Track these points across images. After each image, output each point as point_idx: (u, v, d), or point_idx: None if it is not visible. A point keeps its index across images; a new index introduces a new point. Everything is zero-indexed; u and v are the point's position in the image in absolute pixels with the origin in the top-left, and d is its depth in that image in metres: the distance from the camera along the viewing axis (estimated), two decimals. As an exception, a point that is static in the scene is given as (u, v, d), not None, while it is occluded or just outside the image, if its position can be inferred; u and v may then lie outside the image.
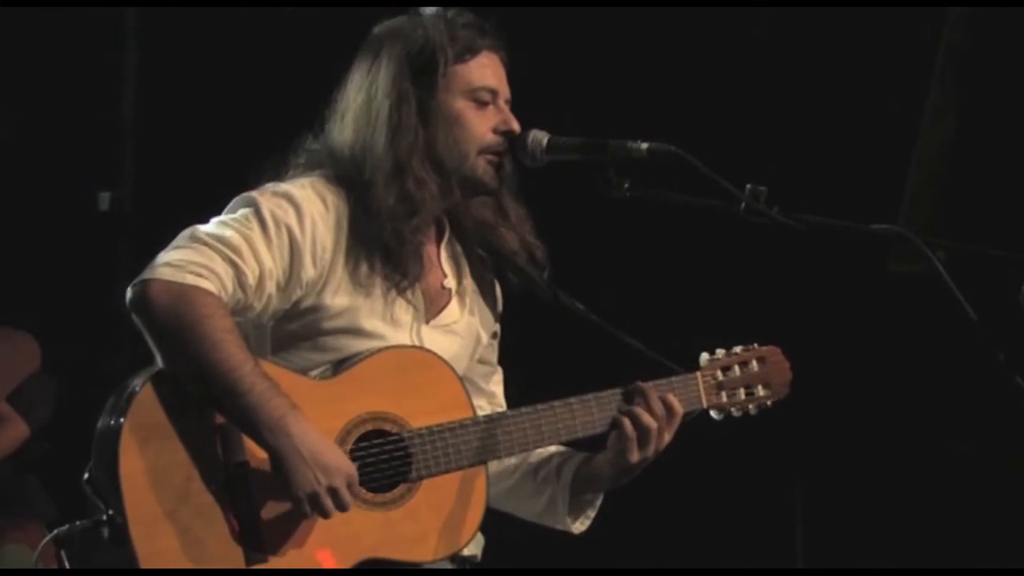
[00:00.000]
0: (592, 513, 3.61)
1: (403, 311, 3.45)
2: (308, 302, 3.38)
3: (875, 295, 5.58)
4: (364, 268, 3.41)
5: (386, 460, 3.33)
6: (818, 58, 5.64)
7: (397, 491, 3.34)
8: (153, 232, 3.43)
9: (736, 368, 3.62)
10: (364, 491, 3.31)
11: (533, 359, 4.18)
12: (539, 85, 3.61)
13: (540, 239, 3.60)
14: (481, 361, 3.63)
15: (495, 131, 3.48)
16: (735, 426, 3.66)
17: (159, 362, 3.25)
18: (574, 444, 3.58)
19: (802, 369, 3.69)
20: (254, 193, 3.39)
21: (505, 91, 3.51)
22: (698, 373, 3.58)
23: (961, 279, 3.24)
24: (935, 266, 3.25)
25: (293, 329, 3.40)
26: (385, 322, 3.42)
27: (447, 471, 3.37)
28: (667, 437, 3.48)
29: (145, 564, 3.17)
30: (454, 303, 3.55)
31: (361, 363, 3.37)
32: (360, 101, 3.46)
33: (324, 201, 3.40)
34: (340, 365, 3.38)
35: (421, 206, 3.41)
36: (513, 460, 3.57)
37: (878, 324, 5.59)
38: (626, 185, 3.46)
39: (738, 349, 3.64)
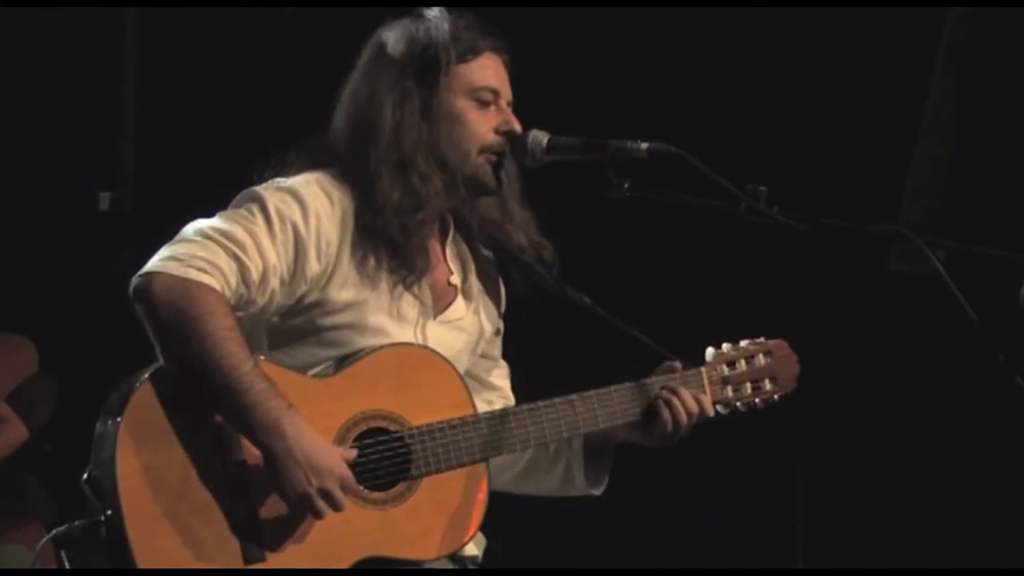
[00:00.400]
0: (606, 476, 3.62)
1: (410, 306, 3.46)
2: (312, 297, 3.39)
3: (875, 295, 5.58)
4: (371, 262, 3.42)
5: (386, 458, 3.33)
6: (818, 58, 5.64)
7: (397, 489, 3.34)
8: (153, 232, 3.43)
9: (742, 362, 3.61)
10: (364, 489, 3.30)
11: (538, 355, 4.18)
12: (539, 85, 3.60)
13: (546, 239, 3.61)
14: (483, 356, 3.64)
15: (496, 131, 3.49)
16: (735, 425, 3.66)
17: (159, 356, 3.25)
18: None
19: (802, 369, 3.68)
20: (259, 188, 3.40)
21: (507, 92, 3.53)
22: (703, 368, 3.58)
23: (961, 279, 3.24)
24: (935, 266, 3.24)
25: (296, 324, 3.40)
26: (391, 317, 3.42)
27: (448, 468, 3.37)
28: (685, 434, 3.52)
29: (143, 563, 3.16)
30: (460, 299, 3.56)
31: (361, 361, 3.37)
32: (364, 98, 3.47)
33: (329, 197, 3.41)
34: (342, 362, 3.38)
35: (426, 201, 3.42)
36: None
37: (878, 324, 5.59)
38: (626, 185, 3.47)
39: (744, 343, 3.64)
